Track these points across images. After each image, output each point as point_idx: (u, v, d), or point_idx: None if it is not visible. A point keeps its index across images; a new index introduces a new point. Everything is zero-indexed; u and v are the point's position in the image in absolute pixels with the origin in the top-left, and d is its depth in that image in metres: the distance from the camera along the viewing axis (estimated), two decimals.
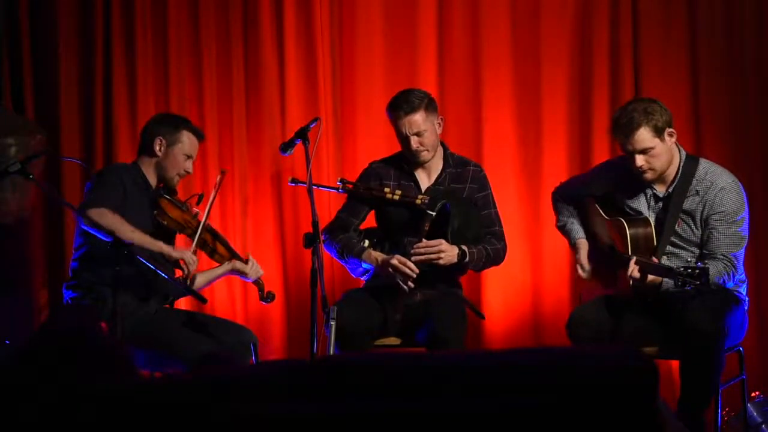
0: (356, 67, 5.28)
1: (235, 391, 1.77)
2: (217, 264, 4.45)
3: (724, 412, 4.30)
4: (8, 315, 4.79)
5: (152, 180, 4.36)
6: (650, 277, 3.98)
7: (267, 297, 4.45)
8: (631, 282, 4.01)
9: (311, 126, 4.19)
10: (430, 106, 4.38)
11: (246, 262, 4.42)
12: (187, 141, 4.35)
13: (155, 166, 4.35)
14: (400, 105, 4.35)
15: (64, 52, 5.19)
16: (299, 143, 4.20)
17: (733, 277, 4.06)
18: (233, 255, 4.43)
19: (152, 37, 5.26)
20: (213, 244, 4.40)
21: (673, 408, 4.06)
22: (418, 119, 4.33)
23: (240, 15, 5.28)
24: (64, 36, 5.20)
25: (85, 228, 4.11)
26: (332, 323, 3.93)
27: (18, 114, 5.15)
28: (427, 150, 4.38)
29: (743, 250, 4.12)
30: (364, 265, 4.38)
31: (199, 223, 4.28)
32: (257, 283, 4.46)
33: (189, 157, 4.36)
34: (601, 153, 5.08)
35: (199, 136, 4.43)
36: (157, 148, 4.32)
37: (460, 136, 5.18)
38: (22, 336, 4.57)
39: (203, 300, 4.17)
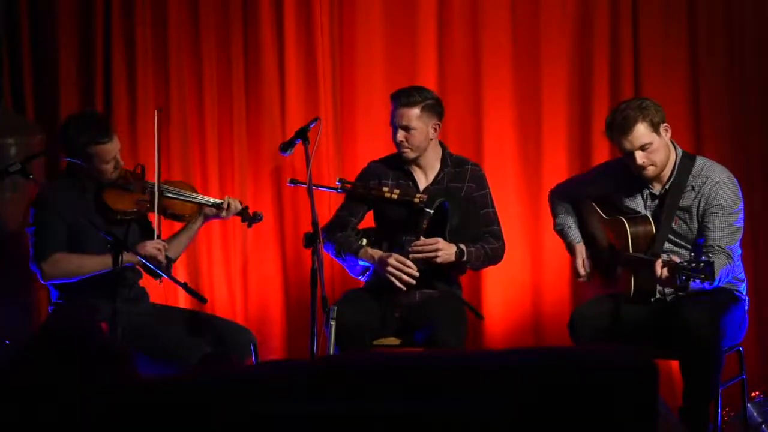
0: (356, 67, 5.28)
1: (235, 391, 1.77)
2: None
3: (724, 412, 4.30)
4: (8, 315, 4.79)
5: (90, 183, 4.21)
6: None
7: (254, 218, 4.33)
8: (659, 284, 4.00)
9: (311, 126, 4.20)
10: (429, 108, 4.39)
11: (221, 203, 4.27)
12: (98, 154, 4.11)
13: (89, 174, 4.19)
14: (400, 96, 4.42)
15: (64, 52, 5.19)
16: (299, 143, 4.21)
17: (732, 268, 4.06)
18: (202, 204, 4.28)
19: (152, 37, 5.25)
20: (175, 208, 4.24)
21: (673, 407, 4.07)
22: (410, 115, 4.36)
23: (240, 15, 5.27)
24: (64, 36, 5.20)
25: (47, 283, 4.09)
26: (332, 323, 3.94)
27: (18, 114, 5.15)
28: (410, 148, 4.40)
29: (739, 243, 4.12)
30: (362, 263, 4.38)
31: (154, 195, 4.14)
32: (240, 214, 4.34)
33: (110, 159, 4.14)
34: (601, 153, 5.08)
35: (104, 138, 4.10)
36: (79, 165, 4.14)
37: (460, 136, 5.18)
38: (22, 336, 4.56)
39: (203, 300, 4.16)
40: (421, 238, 4.29)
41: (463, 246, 4.31)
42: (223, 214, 4.30)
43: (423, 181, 4.47)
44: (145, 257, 4.04)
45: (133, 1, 5.21)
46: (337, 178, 4.58)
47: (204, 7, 5.26)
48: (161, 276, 4.05)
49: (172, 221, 4.43)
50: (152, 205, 4.16)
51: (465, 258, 4.32)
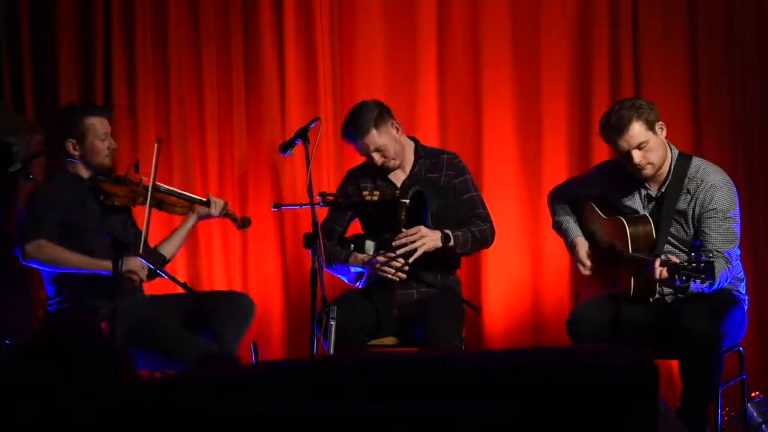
0: (356, 67, 5.28)
1: (235, 391, 1.77)
2: (183, 218, 4.44)
3: (724, 412, 4.30)
4: (8, 315, 4.79)
5: (87, 175, 4.32)
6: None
7: (243, 224, 4.52)
8: (658, 284, 3.99)
9: (311, 126, 4.20)
10: (379, 119, 4.41)
11: (207, 203, 4.41)
12: (93, 126, 4.29)
13: (82, 164, 4.31)
14: (350, 132, 4.42)
15: (64, 52, 5.19)
16: (299, 143, 4.21)
17: (731, 272, 4.06)
18: (194, 201, 4.43)
19: (152, 37, 5.25)
20: (170, 201, 4.38)
21: (673, 408, 4.06)
22: (373, 139, 4.39)
23: (240, 15, 5.28)
24: (64, 36, 5.20)
25: (26, 263, 4.11)
26: (332, 323, 3.94)
27: (18, 114, 5.15)
28: (393, 159, 4.44)
29: (737, 248, 4.12)
30: (353, 269, 4.39)
31: (147, 188, 4.23)
32: (228, 215, 4.48)
33: (105, 137, 4.31)
34: (601, 153, 5.07)
35: (103, 112, 4.37)
36: (72, 150, 4.28)
37: (460, 136, 5.18)
38: (22, 336, 4.56)
39: (191, 292, 4.15)
40: (403, 230, 4.29)
41: (448, 231, 4.31)
42: (213, 212, 4.40)
43: (401, 176, 4.49)
44: (126, 271, 4.08)
45: (133, 1, 5.21)
46: (318, 192, 4.55)
47: (204, 7, 5.26)
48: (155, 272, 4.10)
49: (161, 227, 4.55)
50: (146, 197, 4.22)
51: (452, 242, 4.31)
